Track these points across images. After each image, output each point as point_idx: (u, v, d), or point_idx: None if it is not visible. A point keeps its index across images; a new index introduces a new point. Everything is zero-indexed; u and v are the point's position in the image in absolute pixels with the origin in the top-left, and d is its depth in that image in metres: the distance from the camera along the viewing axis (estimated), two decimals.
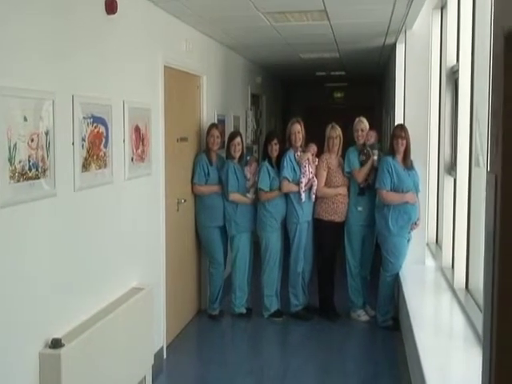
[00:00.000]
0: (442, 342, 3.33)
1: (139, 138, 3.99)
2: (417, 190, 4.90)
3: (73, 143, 3.09)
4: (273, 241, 5.25)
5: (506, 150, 1.40)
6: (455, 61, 4.39)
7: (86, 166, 3.23)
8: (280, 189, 5.15)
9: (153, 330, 4.06)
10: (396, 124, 5.22)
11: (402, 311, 4.73)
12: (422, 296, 4.33)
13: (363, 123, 5.22)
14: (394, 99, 6.17)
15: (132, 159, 3.87)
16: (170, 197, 4.71)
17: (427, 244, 5.33)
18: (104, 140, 3.45)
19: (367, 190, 5.10)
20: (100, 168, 3.40)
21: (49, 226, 2.91)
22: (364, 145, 5.17)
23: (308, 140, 5.34)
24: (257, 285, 5.45)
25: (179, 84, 4.97)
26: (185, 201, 5.04)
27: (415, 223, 4.91)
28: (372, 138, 5.16)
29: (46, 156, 2.82)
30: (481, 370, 1.75)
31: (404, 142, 4.84)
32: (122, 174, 3.75)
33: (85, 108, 3.20)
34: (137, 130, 3.95)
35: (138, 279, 4.02)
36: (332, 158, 5.25)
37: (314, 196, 5.14)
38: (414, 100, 5.13)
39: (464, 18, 3.93)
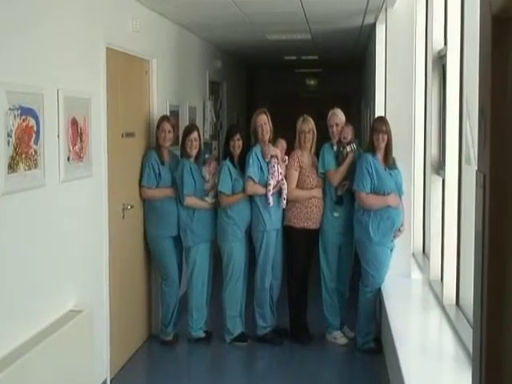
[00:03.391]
0: (430, 364, 3.39)
1: (77, 132, 3.95)
2: (400, 192, 4.98)
3: None
4: (236, 252, 5.26)
5: (495, 147, 1.44)
6: (442, 44, 4.48)
7: (12, 167, 3.19)
8: (244, 191, 5.18)
9: (94, 361, 4.02)
10: (376, 116, 5.29)
11: (384, 331, 4.80)
12: (407, 314, 4.40)
13: (337, 116, 5.27)
14: (374, 88, 6.26)
15: (68, 158, 3.84)
16: (114, 202, 4.68)
17: (413, 254, 5.42)
18: (34, 135, 3.41)
19: (346, 196, 5.16)
20: (30, 168, 3.36)
21: None
22: (340, 142, 5.23)
23: (276, 135, 5.37)
24: (217, 304, 5.45)
25: (124, 69, 4.95)
26: (132, 207, 5.02)
27: (399, 230, 4.99)
28: (349, 134, 5.21)
29: None
30: None
31: (385, 137, 4.90)
32: (57, 176, 3.71)
33: (11, 97, 3.15)
34: (74, 123, 3.91)
35: (76, 300, 3.98)
36: (304, 156, 5.30)
37: (283, 200, 5.17)
38: (397, 89, 5.21)
39: None
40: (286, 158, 5.28)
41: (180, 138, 5.47)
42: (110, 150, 4.56)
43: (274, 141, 5.34)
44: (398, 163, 5.01)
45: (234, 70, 10.02)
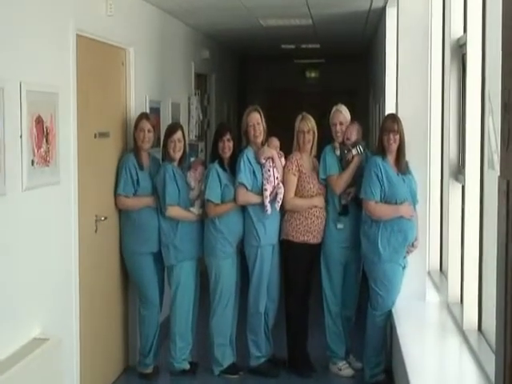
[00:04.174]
0: None
1: (42, 133, 3.95)
2: (414, 201, 4.99)
3: None
4: (225, 271, 5.26)
5: None
6: (462, 31, 4.51)
7: None
8: (235, 200, 5.19)
9: None
10: (386, 114, 5.31)
11: (396, 362, 4.80)
12: (422, 341, 4.41)
13: (342, 114, 5.29)
14: (384, 81, 6.28)
15: (32, 162, 3.84)
16: (85, 213, 4.68)
17: (428, 272, 5.43)
18: None
19: (352, 205, 5.17)
20: None
21: None
22: (344, 143, 5.25)
23: (272, 135, 5.38)
24: (204, 331, 5.44)
25: (97, 60, 4.95)
26: (106, 218, 5.01)
27: (412, 244, 5.00)
28: (353, 133, 5.23)
29: None
30: None
31: (397, 137, 4.91)
32: (19, 183, 3.71)
33: None
34: (39, 122, 3.91)
35: (42, 327, 3.97)
36: (304, 159, 5.31)
37: (278, 205, 5.17)
38: (410, 82, 5.22)
39: None
40: (282, 154, 5.29)
41: (161, 139, 5.47)
42: (81, 152, 4.55)
43: (266, 140, 5.35)
44: (412, 167, 5.03)
45: (223, 61, 10.04)
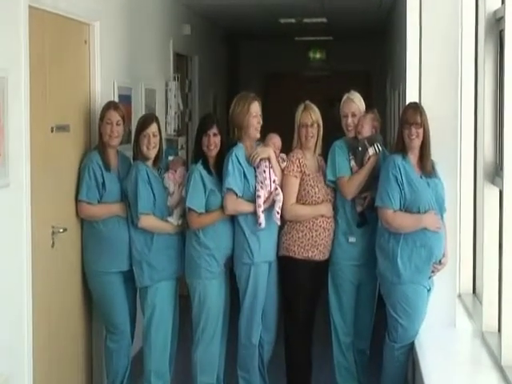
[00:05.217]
0: None
1: None
2: (441, 209, 5.00)
3: None
4: (212, 294, 5.25)
5: None
6: (499, 2, 4.51)
7: None
8: (223, 208, 5.19)
9: None
10: (408, 103, 5.31)
11: None
12: (451, 378, 4.40)
13: (354, 103, 5.30)
14: (405, 63, 6.26)
15: None
16: (39, 223, 4.67)
17: (459, 296, 5.44)
18: None
19: (369, 214, 5.17)
20: None
21: None
22: (356, 138, 5.25)
23: (267, 129, 5.39)
24: (186, 367, 5.43)
25: (55, 37, 4.94)
26: (65, 230, 5.00)
27: (439, 262, 5.00)
28: (366, 127, 5.22)
29: None
30: None
31: (420, 131, 4.92)
32: None
33: None
34: None
35: None
36: (307, 158, 5.32)
37: (277, 217, 5.17)
38: (436, 65, 5.23)
39: None
40: (284, 156, 5.30)
41: (133, 134, 5.47)
42: (35, 149, 4.54)
43: (263, 137, 5.36)
44: (439, 168, 5.03)
45: (209, 39, 10.05)
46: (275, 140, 5.34)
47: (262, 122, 5.29)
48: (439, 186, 5.00)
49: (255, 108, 5.26)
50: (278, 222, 5.19)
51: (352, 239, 5.23)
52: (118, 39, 6.06)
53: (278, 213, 5.14)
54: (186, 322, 5.49)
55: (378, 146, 5.20)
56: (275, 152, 5.26)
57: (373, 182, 5.12)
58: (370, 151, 5.18)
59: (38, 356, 4.61)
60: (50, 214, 4.88)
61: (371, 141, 5.22)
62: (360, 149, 5.21)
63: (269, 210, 5.17)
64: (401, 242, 4.91)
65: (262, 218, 5.11)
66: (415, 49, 5.59)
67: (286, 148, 5.39)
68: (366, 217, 5.19)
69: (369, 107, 5.38)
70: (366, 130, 5.23)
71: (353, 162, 5.22)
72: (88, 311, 5.46)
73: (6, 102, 4.14)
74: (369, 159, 5.19)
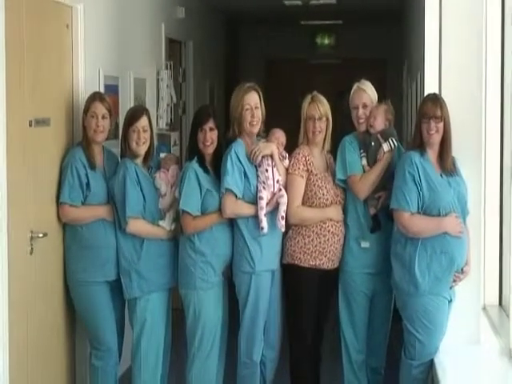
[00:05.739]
0: None
1: None
2: (463, 212, 4.98)
3: None
4: (208, 307, 5.24)
5: None
6: None
7: None
8: (220, 211, 5.18)
9: None
10: (426, 95, 5.29)
11: None
12: None
13: (366, 93, 5.30)
14: (423, 50, 6.24)
15: None
16: (16, 228, 4.67)
17: (483, 308, 5.40)
18: None
19: (383, 217, 5.17)
20: None
21: None
22: (368, 132, 5.25)
23: (269, 123, 5.38)
24: None
25: (34, 21, 4.93)
26: (45, 235, 5.00)
27: (462, 270, 4.99)
28: (379, 120, 5.21)
29: None
30: None
31: (440, 125, 4.91)
32: None
33: None
34: None
35: None
36: (315, 155, 5.32)
37: (281, 219, 5.16)
38: (458, 51, 5.21)
39: None
40: (287, 157, 5.29)
41: (120, 128, 5.46)
42: (11, 146, 4.55)
43: (266, 132, 5.35)
44: (461, 166, 5.03)
45: (205, 24, 10.05)
46: (278, 135, 5.33)
47: (261, 115, 5.27)
48: (461, 185, 4.99)
49: (249, 100, 5.24)
50: (282, 229, 5.18)
51: (365, 244, 5.23)
52: (104, 23, 6.06)
53: (282, 218, 5.14)
54: (179, 338, 5.49)
55: (394, 141, 5.19)
56: (278, 149, 5.25)
57: (387, 181, 5.12)
58: (385, 147, 5.17)
59: (14, 375, 4.60)
60: (29, 217, 4.87)
61: (385, 135, 5.21)
62: (373, 144, 5.21)
63: (272, 213, 5.17)
64: (419, 248, 4.89)
65: (264, 222, 5.10)
66: (435, 34, 5.57)
67: (291, 144, 5.38)
68: (379, 220, 5.18)
69: (381, 98, 5.37)
70: (379, 123, 5.22)
71: (364, 161, 5.22)
72: (71, 325, 5.46)
73: None
74: (383, 156, 5.18)
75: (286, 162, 5.27)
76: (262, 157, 5.17)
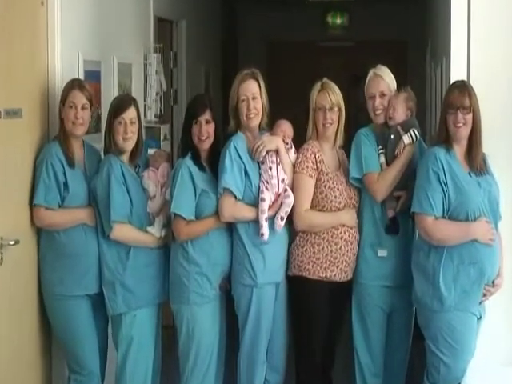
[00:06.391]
0: None
1: None
2: (495, 217, 4.99)
3: None
4: (203, 324, 5.24)
5: None
6: None
7: None
8: (218, 214, 5.17)
9: None
10: (453, 82, 5.29)
11: None
12: None
13: (384, 81, 5.32)
14: (449, 31, 6.23)
15: None
16: None
17: None
18: None
19: (403, 219, 5.18)
20: None
21: None
22: (387, 125, 5.26)
23: (274, 115, 5.39)
24: None
25: None
26: (17, 242, 4.98)
27: (493, 283, 4.98)
28: (401, 109, 5.23)
29: None
30: None
31: (468, 117, 4.90)
32: None
33: None
34: None
35: None
36: (325, 151, 5.33)
37: (280, 224, 5.15)
38: (489, 34, 5.22)
39: None
40: (293, 153, 5.29)
41: (103, 121, 5.48)
42: None
43: (270, 126, 5.34)
44: (492, 164, 5.03)
45: (200, 1, 10.08)
46: (285, 127, 5.33)
47: (261, 106, 5.28)
48: (493, 186, 5.00)
49: (245, 89, 5.26)
50: (279, 229, 5.17)
51: (382, 253, 5.24)
52: (84, 0, 6.03)
53: (281, 218, 5.15)
54: (170, 360, 5.51)
55: (415, 132, 5.20)
56: (285, 142, 5.26)
57: (408, 179, 5.14)
58: (405, 139, 5.18)
59: None
60: None
61: (406, 126, 5.23)
62: (392, 137, 5.22)
63: (275, 218, 5.17)
64: (444, 257, 4.90)
65: (264, 228, 5.12)
66: (463, 10, 5.57)
67: (298, 140, 5.39)
68: (398, 223, 5.18)
69: (401, 86, 5.38)
70: (400, 114, 5.25)
71: (382, 159, 5.24)
72: (46, 345, 5.46)
73: None
74: (403, 149, 5.18)
75: (292, 153, 5.27)
76: (266, 153, 5.17)
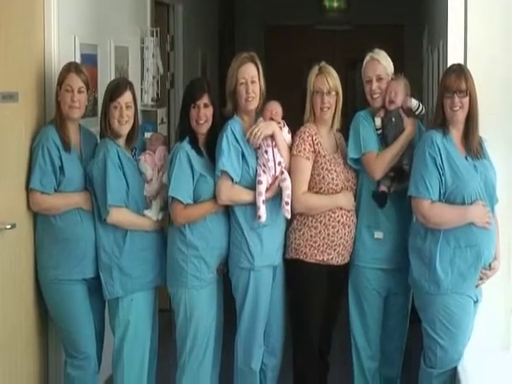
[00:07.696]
0: None
1: None
2: (492, 200, 4.99)
3: None
4: (200, 308, 5.25)
5: None
6: None
7: None
8: (215, 198, 5.18)
9: None
10: (450, 65, 5.29)
11: None
12: None
13: (381, 64, 5.31)
14: (446, 13, 6.23)
15: None
16: None
17: None
18: None
19: (394, 194, 5.18)
20: None
21: None
22: (384, 108, 5.26)
23: (272, 99, 5.36)
24: None
25: None
26: (13, 226, 4.99)
27: (489, 266, 4.99)
28: (401, 94, 5.24)
29: None
30: None
31: (465, 101, 4.90)
32: None
33: None
34: None
35: None
36: (323, 135, 5.33)
37: (287, 209, 5.18)
38: (487, 16, 5.20)
39: None
40: (285, 124, 5.28)
41: (100, 104, 5.46)
42: None
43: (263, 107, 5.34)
44: (489, 148, 5.02)
45: None
46: (273, 107, 5.31)
47: (259, 90, 5.27)
48: (489, 169, 5.00)
49: (244, 72, 5.26)
50: (288, 216, 5.19)
51: (378, 235, 5.25)
52: None
53: (287, 204, 5.15)
54: (168, 343, 5.52)
55: (420, 106, 5.25)
56: (277, 122, 5.26)
57: (406, 159, 5.16)
58: (413, 102, 5.21)
59: None
60: None
61: (408, 109, 5.25)
62: (393, 120, 5.22)
63: (272, 200, 5.19)
64: (440, 241, 4.90)
65: (262, 210, 5.11)
66: None
67: (295, 123, 5.38)
68: (386, 198, 5.17)
69: (398, 71, 5.39)
70: (401, 99, 5.25)
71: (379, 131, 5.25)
72: (43, 329, 5.46)
73: None
74: (401, 130, 5.21)
75: (286, 132, 5.27)
76: (264, 137, 5.18)
